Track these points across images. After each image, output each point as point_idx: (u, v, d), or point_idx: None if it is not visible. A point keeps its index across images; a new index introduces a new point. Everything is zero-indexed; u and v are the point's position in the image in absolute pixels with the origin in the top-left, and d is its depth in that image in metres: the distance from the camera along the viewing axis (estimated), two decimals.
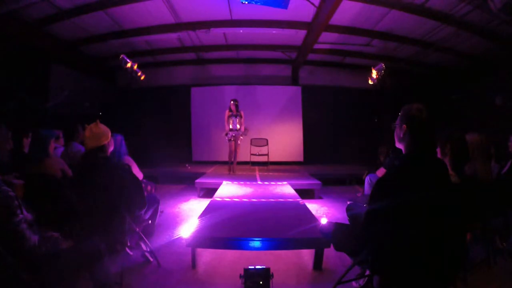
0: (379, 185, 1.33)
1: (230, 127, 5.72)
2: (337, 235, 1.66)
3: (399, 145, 1.43)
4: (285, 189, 4.28)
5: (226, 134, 5.73)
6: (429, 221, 1.22)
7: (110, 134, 2.15)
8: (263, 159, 7.09)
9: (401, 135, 1.38)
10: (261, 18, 5.53)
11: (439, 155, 2.07)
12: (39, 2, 4.38)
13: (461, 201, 1.34)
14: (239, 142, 5.86)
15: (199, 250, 2.45)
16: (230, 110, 5.73)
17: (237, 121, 5.75)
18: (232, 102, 5.69)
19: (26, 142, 3.17)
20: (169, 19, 5.44)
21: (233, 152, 5.87)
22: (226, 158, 7.95)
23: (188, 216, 3.76)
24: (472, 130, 2.43)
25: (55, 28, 5.28)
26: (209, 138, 8.12)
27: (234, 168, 6.00)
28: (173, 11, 5.16)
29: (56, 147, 3.65)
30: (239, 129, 5.75)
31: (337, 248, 1.67)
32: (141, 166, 2.99)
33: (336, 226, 1.71)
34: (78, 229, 1.92)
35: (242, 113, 5.79)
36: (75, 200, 1.98)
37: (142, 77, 6.04)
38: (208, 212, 2.83)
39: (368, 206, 1.34)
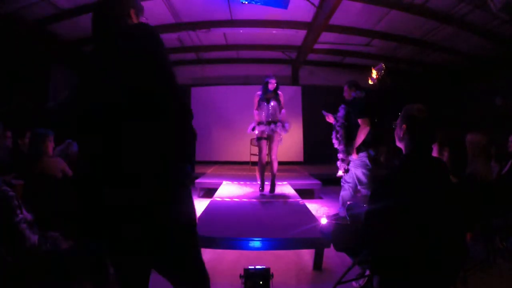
0: (379, 184, 1.33)
1: (262, 117, 3.67)
2: (337, 235, 1.66)
3: (399, 144, 1.44)
4: (285, 189, 4.27)
5: (253, 129, 3.73)
6: (429, 221, 1.22)
7: None
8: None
9: (401, 135, 1.38)
10: (261, 18, 5.53)
11: (435, 155, 2.08)
12: (39, 2, 4.39)
13: (461, 201, 1.34)
14: (278, 141, 3.75)
15: None
16: (266, 91, 3.63)
17: (274, 107, 3.66)
18: (271, 79, 3.63)
19: (26, 142, 3.17)
20: (169, 19, 5.44)
21: (265, 157, 3.83)
22: (226, 158, 8.02)
23: None
24: (472, 130, 2.43)
25: (55, 28, 5.28)
26: (209, 138, 8.12)
27: (274, 185, 3.84)
28: (173, 11, 5.17)
29: None
30: (278, 121, 3.65)
31: (337, 248, 1.68)
32: None
33: (336, 226, 1.71)
34: (78, 229, 1.91)
35: (282, 96, 3.71)
36: (75, 200, 1.98)
37: None
38: (208, 212, 2.83)
39: (368, 206, 1.34)
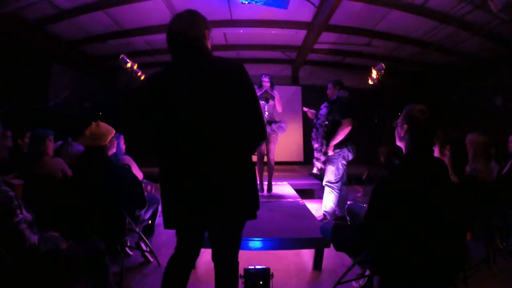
0: (379, 184, 1.33)
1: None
2: (337, 235, 1.66)
3: (399, 144, 1.44)
4: (285, 189, 4.27)
5: None
6: (429, 221, 1.22)
7: (111, 136, 2.14)
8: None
9: (402, 134, 1.39)
10: (261, 18, 5.53)
11: (437, 155, 2.07)
12: (39, 2, 4.38)
13: (461, 201, 1.34)
14: (276, 141, 3.68)
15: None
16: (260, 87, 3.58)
17: (272, 107, 3.64)
18: (264, 78, 3.59)
19: (26, 142, 3.16)
20: (169, 19, 5.42)
21: (264, 158, 3.77)
22: None
23: None
24: (472, 130, 2.43)
25: (55, 28, 5.28)
26: None
27: (271, 184, 3.85)
28: (173, 11, 5.16)
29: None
30: (276, 121, 3.63)
31: (337, 248, 1.68)
32: (141, 166, 2.99)
33: (336, 226, 1.71)
34: (78, 229, 1.92)
35: (277, 95, 3.63)
36: (75, 200, 1.98)
37: (142, 77, 6.03)
38: None
39: (368, 206, 1.34)
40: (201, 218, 1.21)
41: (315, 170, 3.46)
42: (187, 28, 1.24)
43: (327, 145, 3.24)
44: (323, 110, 3.39)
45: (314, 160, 3.47)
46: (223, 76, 1.18)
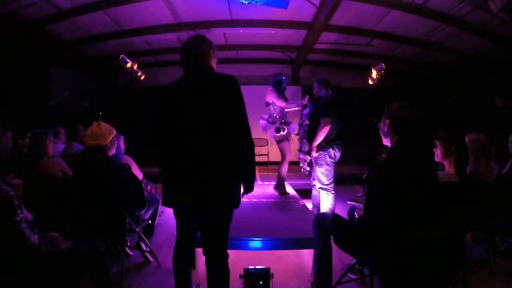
0: (374, 179, 1.36)
1: (275, 117, 3.74)
2: (338, 229, 1.68)
3: (385, 142, 1.53)
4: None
5: (279, 130, 3.73)
6: (429, 220, 1.23)
7: (112, 136, 2.13)
8: (263, 159, 7.09)
9: (385, 129, 1.48)
10: (261, 18, 5.53)
11: (440, 156, 2.07)
12: (39, 2, 4.38)
13: (461, 201, 1.35)
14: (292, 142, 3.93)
15: (199, 250, 2.45)
16: (280, 90, 3.70)
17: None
18: (285, 79, 3.75)
19: (26, 142, 3.17)
20: (169, 19, 5.43)
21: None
22: None
23: None
24: (473, 130, 2.43)
25: (55, 28, 5.27)
26: None
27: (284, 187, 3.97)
28: (173, 11, 5.16)
29: (56, 142, 3.65)
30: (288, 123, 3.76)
31: (338, 244, 1.69)
32: (141, 166, 2.99)
33: (335, 218, 1.73)
34: (78, 229, 1.92)
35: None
36: (75, 200, 1.98)
37: (142, 77, 6.03)
38: None
39: (365, 203, 1.36)
40: (192, 197, 1.41)
41: (307, 169, 3.49)
42: (195, 47, 1.46)
43: (309, 145, 3.21)
44: (306, 110, 3.39)
45: (301, 163, 3.48)
46: (217, 93, 1.43)
